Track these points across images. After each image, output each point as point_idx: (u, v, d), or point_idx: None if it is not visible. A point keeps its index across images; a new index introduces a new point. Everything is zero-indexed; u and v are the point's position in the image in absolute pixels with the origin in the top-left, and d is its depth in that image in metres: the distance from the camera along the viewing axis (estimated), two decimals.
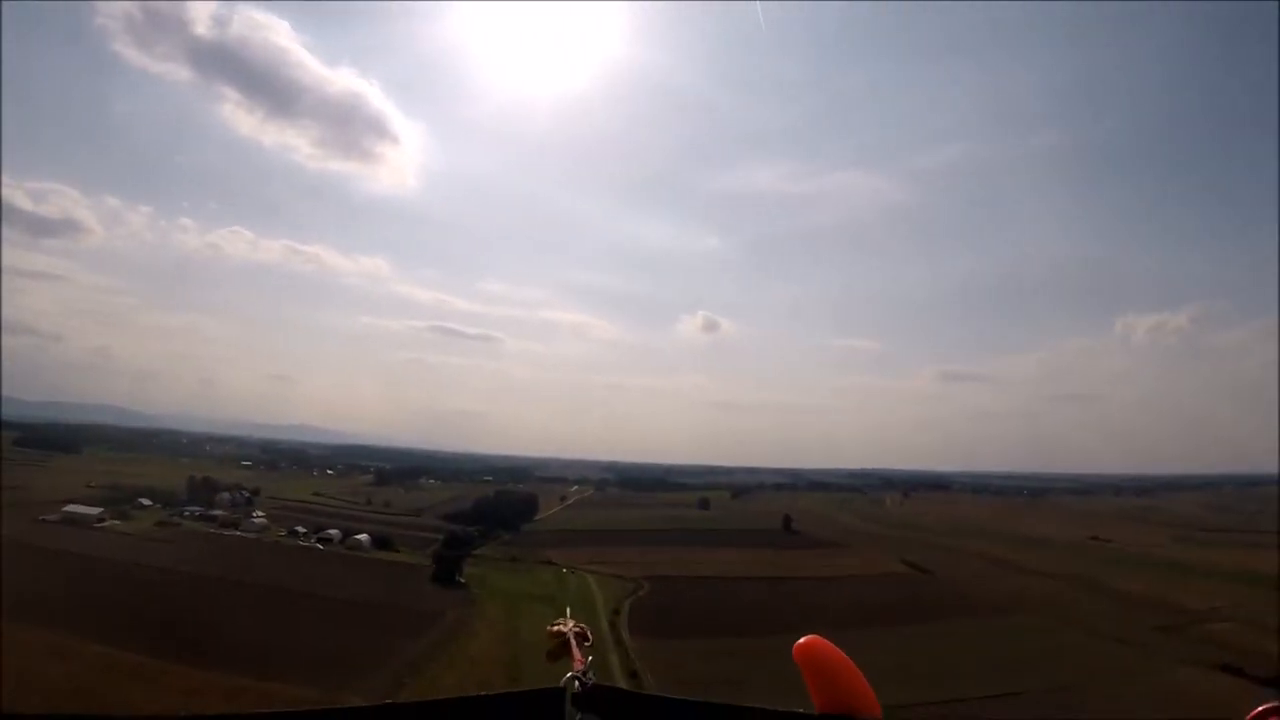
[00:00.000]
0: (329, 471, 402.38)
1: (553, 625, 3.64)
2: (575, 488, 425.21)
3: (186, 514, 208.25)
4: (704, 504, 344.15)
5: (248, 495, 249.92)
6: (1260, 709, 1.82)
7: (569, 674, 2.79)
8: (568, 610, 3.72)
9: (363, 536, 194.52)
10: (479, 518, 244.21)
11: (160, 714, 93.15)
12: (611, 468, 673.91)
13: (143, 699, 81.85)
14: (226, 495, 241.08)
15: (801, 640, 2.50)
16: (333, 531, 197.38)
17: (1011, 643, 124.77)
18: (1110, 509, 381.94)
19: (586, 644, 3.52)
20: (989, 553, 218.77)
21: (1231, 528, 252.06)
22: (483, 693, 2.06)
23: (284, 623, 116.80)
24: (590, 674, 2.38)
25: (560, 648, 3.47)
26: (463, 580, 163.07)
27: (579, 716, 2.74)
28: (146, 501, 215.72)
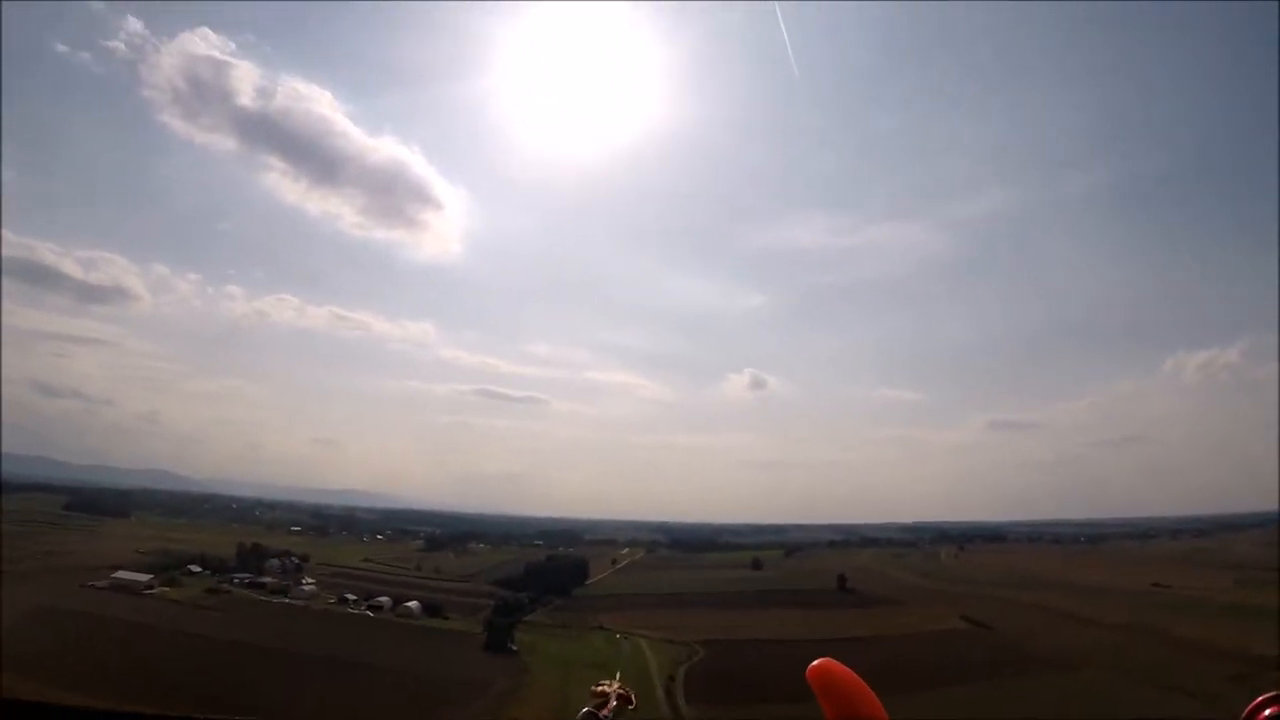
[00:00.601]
0: (379, 537, 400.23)
1: (597, 685, 3.69)
2: (626, 550, 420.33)
3: (236, 581, 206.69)
4: (757, 564, 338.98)
5: (297, 562, 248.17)
6: (1259, 699, 1.91)
7: (585, 709, 2.87)
8: (618, 674, 3.80)
9: (413, 604, 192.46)
10: (530, 583, 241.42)
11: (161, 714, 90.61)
12: (662, 528, 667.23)
13: None
14: (276, 562, 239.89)
15: (815, 662, 2.59)
16: (383, 599, 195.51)
17: (1078, 700, 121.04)
18: (1169, 553, 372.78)
19: (630, 707, 3.57)
20: (1048, 604, 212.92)
21: None
22: None
23: (333, 693, 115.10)
24: None
25: (600, 706, 3.48)
26: (514, 648, 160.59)
27: None
28: (196, 568, 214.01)
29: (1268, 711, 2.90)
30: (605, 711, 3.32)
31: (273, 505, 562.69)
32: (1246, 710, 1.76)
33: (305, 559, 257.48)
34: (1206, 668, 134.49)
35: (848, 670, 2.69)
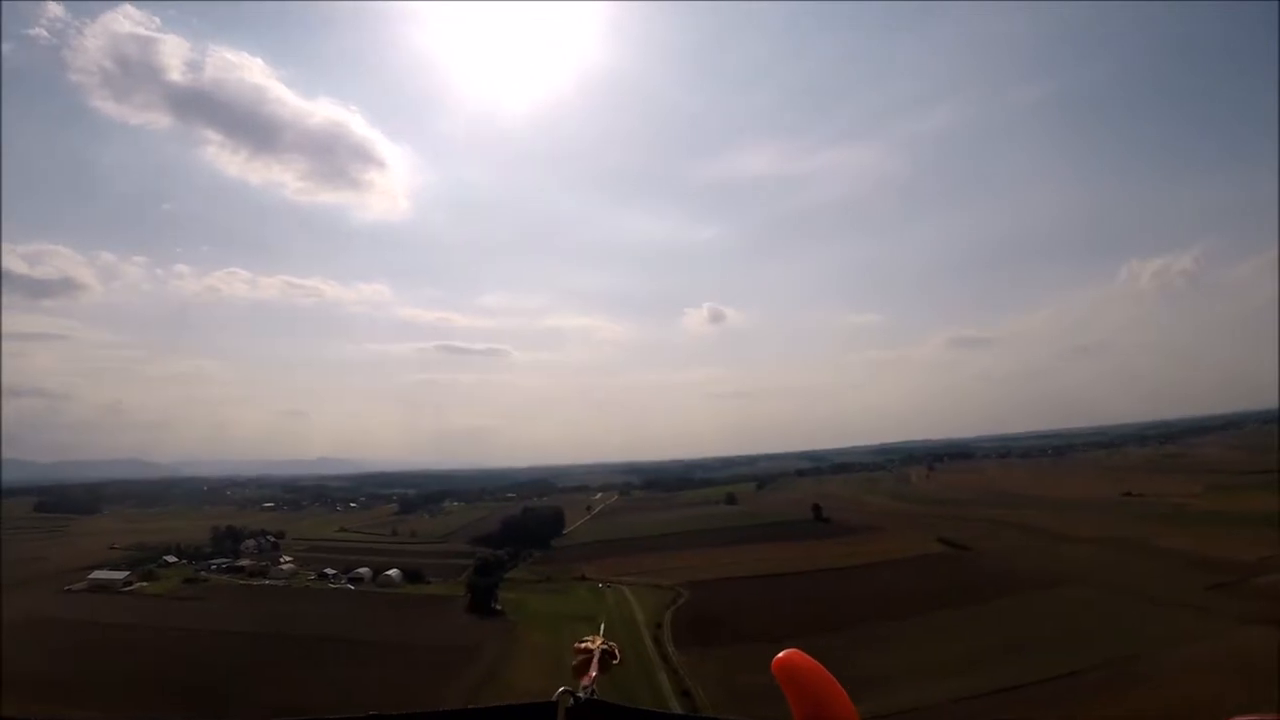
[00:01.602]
0: (352, 505, 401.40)
1: (580, 642, 3.73)
2: (599, 495, 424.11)
3: (213, 567, 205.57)
4: (731, 499, 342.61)
5: (273, 540, 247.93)
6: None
7: (562, 688, 2.81)
8: (601, 627, 3.92)
9: (393, 572, 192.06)
10: (507, 538, 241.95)
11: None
12: (633, 469, 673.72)
13: None
14: (252, 543, 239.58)
15: (780, 655, 2.55)
16: (363, 570, 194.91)
17: (1064, 618, 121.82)
18: (1138, 460, 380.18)
19: (614, 662, 3.60)
20: (1023, 521, 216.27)
21: (1261, 469, 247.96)
22: (472, 706, 2.15)
23: (322, 674, 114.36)
24: (594, 690, 2.96)
25: (584, 665, 3.49)
26: (499, 607, 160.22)
27: None
28: (172, 558, 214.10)
29: None
30: (589, 673, 3.30)
31: (244, 483, 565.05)
32: None
33: (281, 536, 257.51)
34: (1189, 578, 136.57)
35: (813, 662, 2.65)
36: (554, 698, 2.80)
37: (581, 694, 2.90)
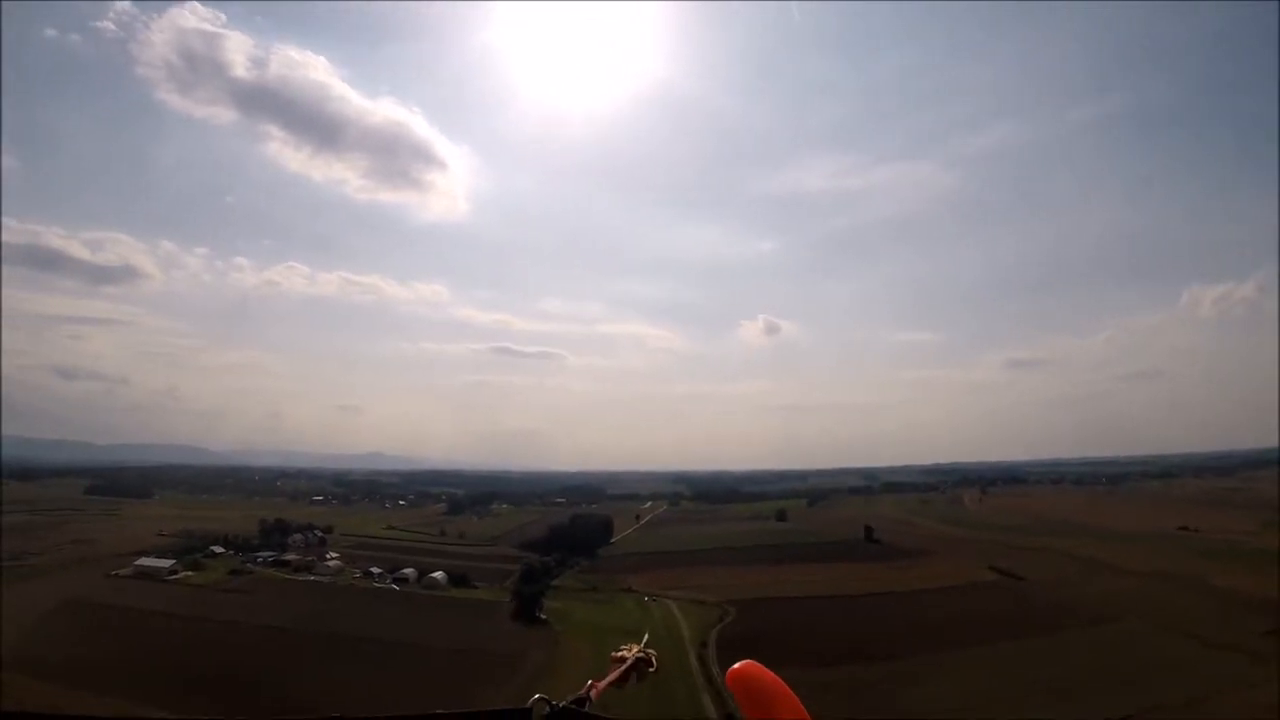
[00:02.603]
0: (401, 503, 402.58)
1: (617, 651, 3.81)
2: (649, 504, 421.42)
3: (259, 560, 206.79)
4: (781, 516, 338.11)
5: (320, 535, 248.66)
6: None
7: (537, 695, 2.80)
8: (645, 638, 3.91)
9: (439, 575, 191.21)
10: (555, 544, 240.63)
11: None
12: (683, 479, 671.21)
13: None
14: (299, 536, 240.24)
15: (735, 665, 2.63)
16: (408, 571, 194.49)
17: (1120, 655, 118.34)
18: (1193, 493, 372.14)
19: (650, 670, 3.67)
20: (1078, 552, 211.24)
21: None
22: (447, 710, 2.20)
23: (361, 676, 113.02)
24: (589, 704, 3.00)
25: (623, 674, 3.55)
26: (544, 616, 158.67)
27: None
28: (219, 549, 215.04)
29: None
30: (600, 683, 3.30)
31: (295, 475, 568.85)
32: None
33: (328, 531, 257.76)
34: (1244, 620, 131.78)
35: (769, 673, 2.74)
36: (528, 704, 2.80)
37: (562, 702, 2.89)
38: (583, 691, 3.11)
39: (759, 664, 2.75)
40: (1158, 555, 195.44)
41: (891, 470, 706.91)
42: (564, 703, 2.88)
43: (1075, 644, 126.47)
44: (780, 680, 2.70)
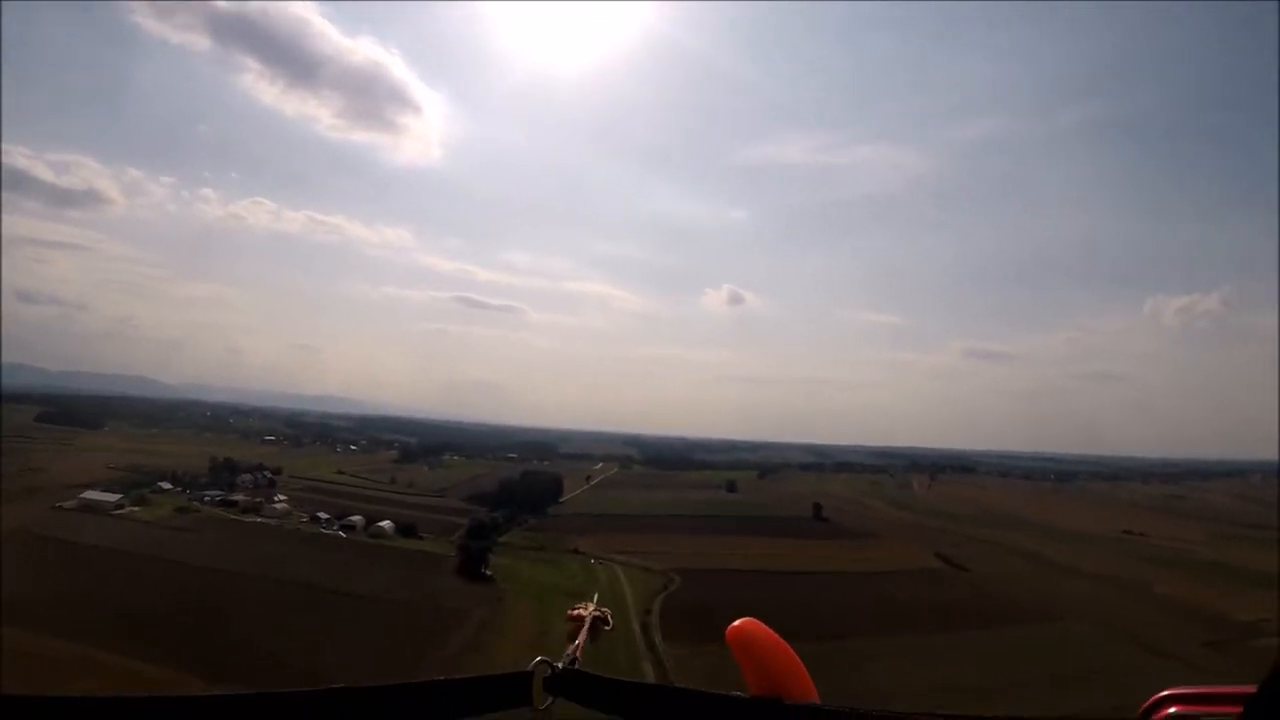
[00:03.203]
0: (353, 447, 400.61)
1: (573, 610, 3.68)
2: (600, 465, 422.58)
3: (207, 499, 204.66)
4: (731, 486, 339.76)
5: (270, 476, 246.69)
6: (1159, 695, 1.92)
7: (539, 657, 2.82)
8: (595, 597, 3.86)
9: (386, 524, 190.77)
10: (504, 500, 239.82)
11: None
12: (635, 442, 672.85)
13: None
14: (248, 477, 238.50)
15: (736, 623, 2.57)
16: (356, 518, 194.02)
17: (1059, 656, 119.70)
18: (1140, 498, 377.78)
19: (606, 627, 3.64)
20: (1023, 547, 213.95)
21: (1265, 524, 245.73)
22: (448, 676, 2.25)
23: (305, 625, 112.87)
24: (576, 660, 3.02)
25: (576, 631, 3.47)
26: (489, 573, 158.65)
27: (549, 700, 2.79)
28: (166, 485, 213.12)
29: (1171, 710, 1.97)
30: (577, 641, 3.28)
31: (248, 413, 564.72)
32: (1144, 705, 1.77)
33: (278, 472, 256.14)
34: (1186, 630, 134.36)
35: (770, 632, 2.61)
36: (530, 667, 2.81)
37: (561, 663, 2.91)
38: (570, 652, 3.09)
39: (760, 622, 2.61)
40: (1103, 557, 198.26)
41: (842, 449, 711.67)
42: (562, 664, 2.89)
43: (1015, 640, 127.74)
44: (781, 640, 2.55)
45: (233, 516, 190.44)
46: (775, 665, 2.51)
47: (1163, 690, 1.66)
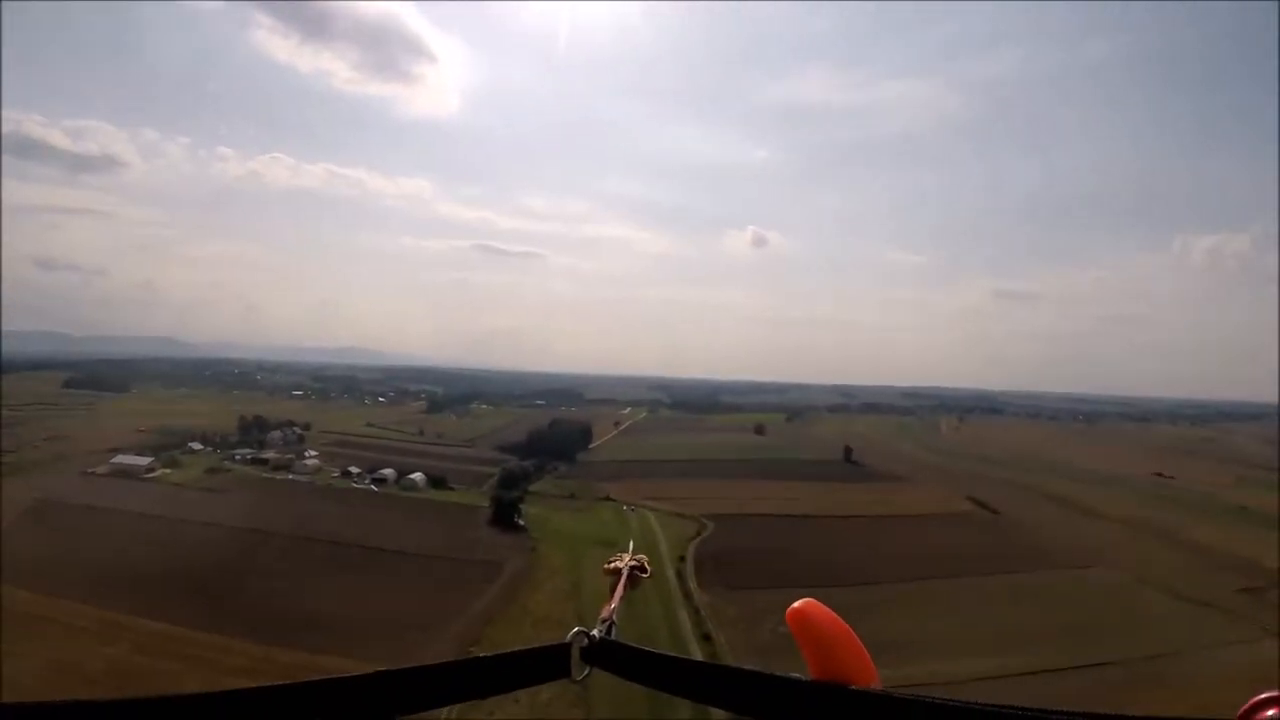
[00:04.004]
0: (380, 399, 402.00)
1: (609, 562, 3.78)
2: (627, 410, 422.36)
3: (237, 458, 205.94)
4: (760, 430, 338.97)
5: (299, 432, 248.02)
6: (1258, 698, 1.91)
7: (577, 628, 2.86)
8: (630, 545, 3.90)
9: (417, 476, 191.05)
10: (533, 449, 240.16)
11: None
12: (661, 385, 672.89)
13: (199, 681, 77.17)
14: (278, 434, 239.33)
15: (795, 604, 2.50)
16: (387, 471, 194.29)
17: (1091, 603, 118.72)
18: (1169, 439, 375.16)
19: (644, 576, 3.70)
20: (1055, 491, 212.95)
21: None
22: (488, 653, 2.34)
23: (342, 582, 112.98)
24: (613, 625, 3.06)
25: (615, 585, 3.57)
26: (521, 523, 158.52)
27: (588, 670, 2.84)
28: (197, 445, 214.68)
29: (1270, 712, 1.89)
30: (612, 602, 3.30)
31: (274, 369, 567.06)
32: (1243, 709, 1.72)
33: (307, 428, 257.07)
34: (1218, 577, 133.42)
35: (830, 613, 2.52)
36: (568, 639, 2.85)
37: (598, 631, 2.95)
38: (604, 616, 3.10)
39: (819, 603, 2.53)
40: (1133, 501, 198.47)
41: (869, 390, 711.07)
42: (599, 633, 2.91)
43: (1048, 586, 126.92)
44: (841, 620, 2.50)
45: (264, 474, 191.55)
46: (837, 648, 2.45)
47: (1261, 693, 1.62)
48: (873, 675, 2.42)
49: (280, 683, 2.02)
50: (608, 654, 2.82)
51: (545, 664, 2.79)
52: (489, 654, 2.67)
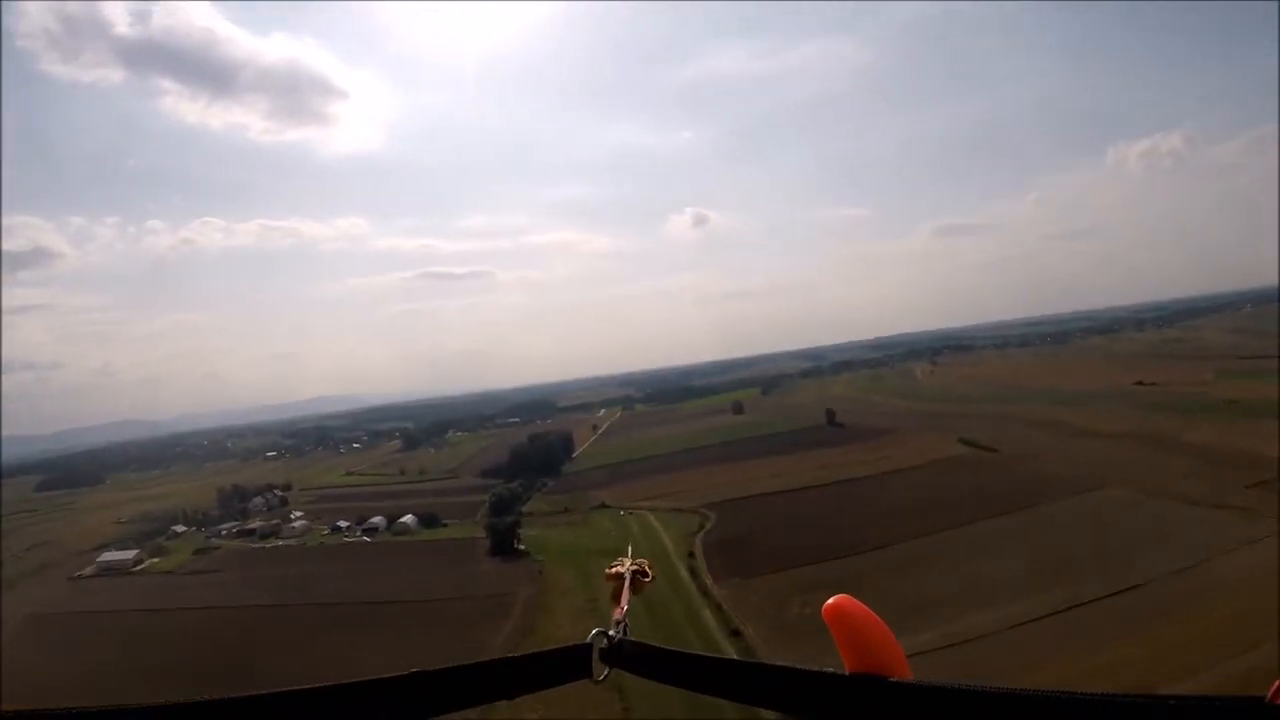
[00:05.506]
0: (355, 445, 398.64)
1: (610, 568, 3.79)
2: (603, 412, 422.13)
3: (223, 533, 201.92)
4: (738, 408, 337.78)
5: (280, 495, 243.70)
6: None
7: (596, 629, 2.94)
8: (629, 549, 3.93)
9: (408, 518, 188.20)
10: (517, 468, 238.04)
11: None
12: (631, 380, 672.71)
13: None
14: (259, 500, 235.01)
15: (830, 600, 2.47)
16: (377, 519, 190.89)
17: (1107, 525, 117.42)
18: (1139, 347, 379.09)
19: (646, 579, 3.70)
20: (1042, 417, 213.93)
21: (1267, 353, 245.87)
22: (510, 655, 2.79)
23: (352, 643, 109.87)
24: (626, 626, 3.11)
25: (619, 591, 3.58)
26: (522, 547, 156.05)
27: (607, 671, 2.90)
28: (180, 528, 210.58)
29: None
30: (621, 604, 3.37)
31: (243, 432, 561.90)
32: (1277, 684, 1.74)
33: (288, 488, 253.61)
34: (1226, 476, 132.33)
35: (865, 609, 2.49)
36: (588, 640, 2.91)
37: (614, 632, 3.00)
38: (617, 618, 3.16)
39: (853, 598, 2.51)
40: (1121, 414, 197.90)
41: (836, 349, 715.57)
42: (616, 634, 2.97)
43: (1062, 516, 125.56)
44: (875, 615, 2.48)
45: (253, 545, 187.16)
46: (873, 642, 2.44)
47: None
48: (906, 669, 2.44)
49: (315, 685, 2.22)
50: (628, 654, 2.90)
51: (567, 665, 2.86)
52: (515, 655, 2.77)
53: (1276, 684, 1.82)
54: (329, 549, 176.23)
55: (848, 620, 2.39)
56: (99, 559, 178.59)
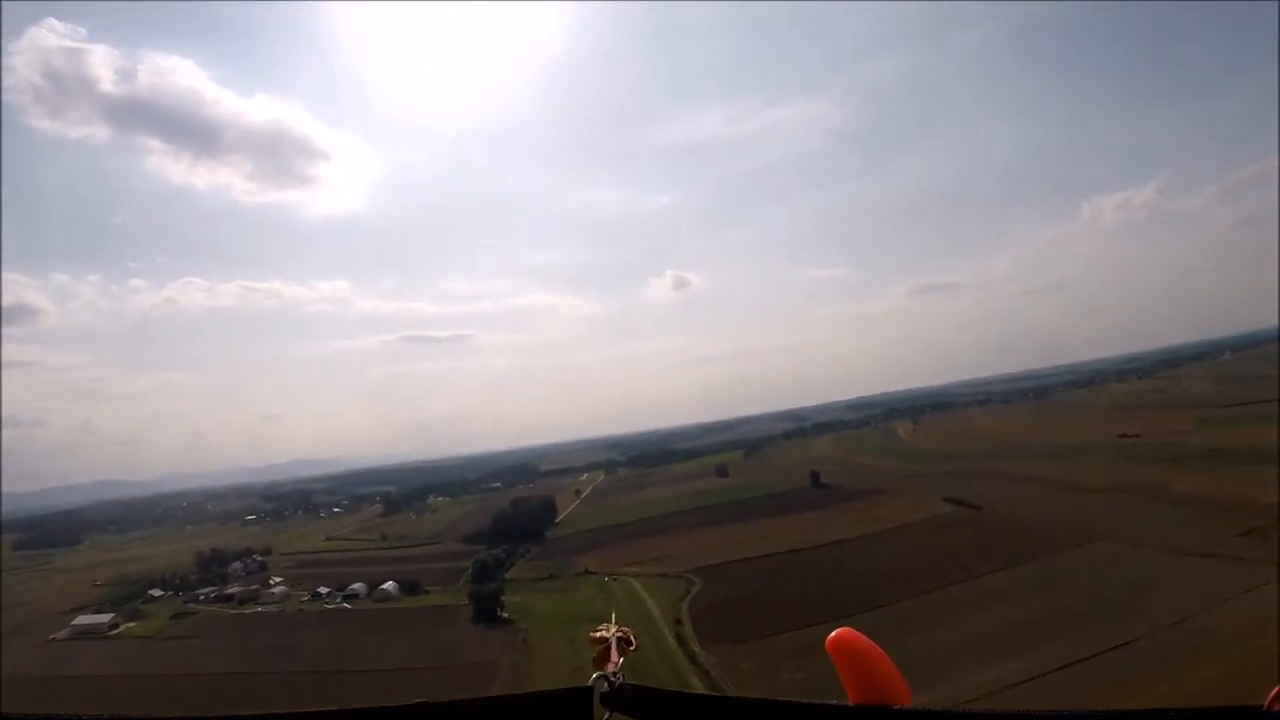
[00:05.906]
0: (336, 510, 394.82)
1: (595, 631, 3.75)
2: (585, 476, 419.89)
3: (200, 598, 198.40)
4: (722, 470, 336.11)
5: (260, 560, 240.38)
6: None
7: (597, 673, 2.98)
8: (613, 615, 3.91)
9: (390, 585, 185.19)
10: (500, 534, 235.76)
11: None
12: (613, 443, 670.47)
13: None
14: (238, 565, 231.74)
15: (834, 633, 2.59)
16: (357, 586, 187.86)
17: (1099, 579, 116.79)
18: (1121, 398, 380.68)
19: (630, 648, 3.64)
20: (1027, 472, 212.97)
21: (1247, 400, 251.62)
22: (510, 693, 2.82)
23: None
24: (622, 676, 3.09)
25: (604, 654, 3.54)
26: (506, 615, 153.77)
27: (608, 716, 2.89)
28: (157, 592, 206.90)
29: None
30: (610, 662, 3.33)
31: (223, 494, 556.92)
32: (1275, 692, 1.75)
33: (267, 553, 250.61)
34: (1215, 526, 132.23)
35: (867, 640, 2.63)
36: (589, 683, 2.95)
37: (613, 679, 3.01)
38: (613, 669, 3.15)
39: (857, 631, 2.62)
40: (1106, 467, 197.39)
41: (817, 409, 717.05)
42: (618, 678, 2.99)
43: (1053, 571, 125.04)
44: (877, 646, 2.59)
45: (231, 611, 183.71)
46: (877, 673, 2.55)
47: None
48: (908, 698, 2.52)
49: (317, 709, 2.70)
50: (628, 698, 2.91)
51: (567, 707, 2.89)
52: (518, 693, 2.75)
53: (1274, 692, 1.99)
54: (309, 615, 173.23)
55: (851, 652, 2.48)
56: (74, 622, 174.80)
